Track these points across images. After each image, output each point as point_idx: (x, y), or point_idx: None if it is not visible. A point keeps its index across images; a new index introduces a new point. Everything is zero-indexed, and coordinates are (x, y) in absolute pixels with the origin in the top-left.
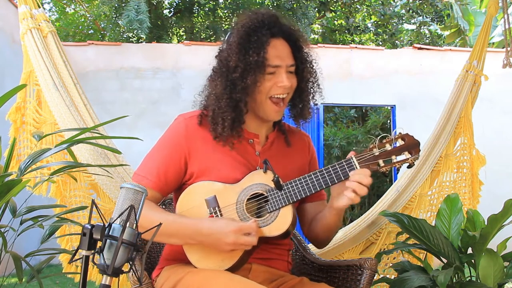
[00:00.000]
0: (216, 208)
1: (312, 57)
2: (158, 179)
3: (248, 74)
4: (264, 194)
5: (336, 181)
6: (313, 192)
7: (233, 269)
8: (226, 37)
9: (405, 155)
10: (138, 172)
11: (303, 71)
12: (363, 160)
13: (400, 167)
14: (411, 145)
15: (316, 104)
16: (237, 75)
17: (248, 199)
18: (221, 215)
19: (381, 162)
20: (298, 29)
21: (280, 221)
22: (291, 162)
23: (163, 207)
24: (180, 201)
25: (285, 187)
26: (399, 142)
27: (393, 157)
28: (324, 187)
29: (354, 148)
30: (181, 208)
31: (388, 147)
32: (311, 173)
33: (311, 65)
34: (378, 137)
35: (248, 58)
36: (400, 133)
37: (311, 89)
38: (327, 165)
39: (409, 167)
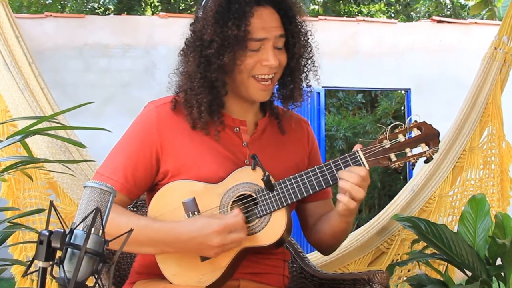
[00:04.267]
0: (196, 212)
1: (307, 29)
2: (125, 180)
3: (226, 50)
4: (252, 196)
5: (339, 180)
6: (311, 193)
7: (216, 286)
8: (203, 2)
9: (422, 148)
10: (101, 172)
11: (294, 46)
12: (371, 154)
13: (416, 162)
14: (429, 136)
15: (310, 86)
16: (213, 51)
17: (234, 202)
18: None
19: (392, 156)
20: None
21: (272, 228)
22: (286, 154)
23: (134, 210)
24: (153, 204)
25: (277, 187)
26: (415, 132)
27: (407, 150)
28: (324, 186)
29: (361, 140)
30: (153, 214)
31: (401, 138)
32: (308, 170)
33: (305, 38)
34: (389, 126)
35: (226, 31)
36: (415, 121)
37: (304, 68)
38: (329, 160)
39: (426, 161)
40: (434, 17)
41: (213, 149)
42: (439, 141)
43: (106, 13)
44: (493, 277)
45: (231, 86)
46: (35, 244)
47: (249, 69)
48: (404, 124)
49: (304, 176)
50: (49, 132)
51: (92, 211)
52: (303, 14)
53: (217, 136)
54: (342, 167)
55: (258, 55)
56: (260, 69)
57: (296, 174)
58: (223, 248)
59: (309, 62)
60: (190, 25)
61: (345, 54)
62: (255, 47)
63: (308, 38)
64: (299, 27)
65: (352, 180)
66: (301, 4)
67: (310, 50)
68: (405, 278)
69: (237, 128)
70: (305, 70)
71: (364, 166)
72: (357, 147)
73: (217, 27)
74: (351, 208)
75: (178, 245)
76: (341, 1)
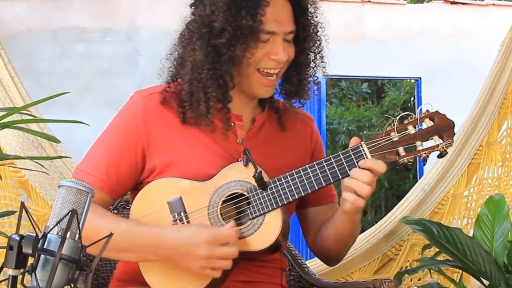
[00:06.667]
0: (182, 213)
1: (318, 20)
2: (107, 176)
3: (238, 41)
4: (245, 195)
5: (340, 177)
6: (309, 192)
7: None
8: None
9: (435, 141)
10: (81, 167)
11: (305, 40)
12: (377, 148)
13: (428, 157)
14: (443, 127)
15: (317, 84)
16: (223, 42)
17: (224, 201)
18: (188, 222)
19: (401, 150)
20: None
21: (266, 231)
22: (285, 153)
23: (115, 211)
24: (136, 204)
25: (272, 186)
26: (426, 123)
27: (418, 143)
28: (324, 184)
29: (365, 132)
30: (136, 214)
31: (411, 129)
32: (306, 166)
33: (315, 31)
34: (398, 117)
35: (240, 21)
36: (427, 110)
37: (312, 63)
38: (330, 155)
39: (440, 156)
40: None
41: (204, 145)
42: (454, 133)
43: None
44: None
45: (237, 80)
46: (4, 250)
47: (256, 62)
48: (415, 114)
49: (302, 173)
50: (19, 125)
51: (68, 213)
52: (316, 3)
53: (224, 134)
54: (344, 163)
55: (267, 47)
56: (267, 62)
57: (293, 171)
58: (210, 262)
59: (318, 56)
60: (191, 6)
61: (349, 39)
62: (264, 38)
63: (318, 31)
64: (311, 19)
65: (356, 176)
66: None
67: (319, 44)
68: (415, 287)
69: (232, 123)
70: (312, 66)
71: None
72: (356, 140)
73: (229, 15)
74: (359, 206)
75: (161, 252)
76: None
